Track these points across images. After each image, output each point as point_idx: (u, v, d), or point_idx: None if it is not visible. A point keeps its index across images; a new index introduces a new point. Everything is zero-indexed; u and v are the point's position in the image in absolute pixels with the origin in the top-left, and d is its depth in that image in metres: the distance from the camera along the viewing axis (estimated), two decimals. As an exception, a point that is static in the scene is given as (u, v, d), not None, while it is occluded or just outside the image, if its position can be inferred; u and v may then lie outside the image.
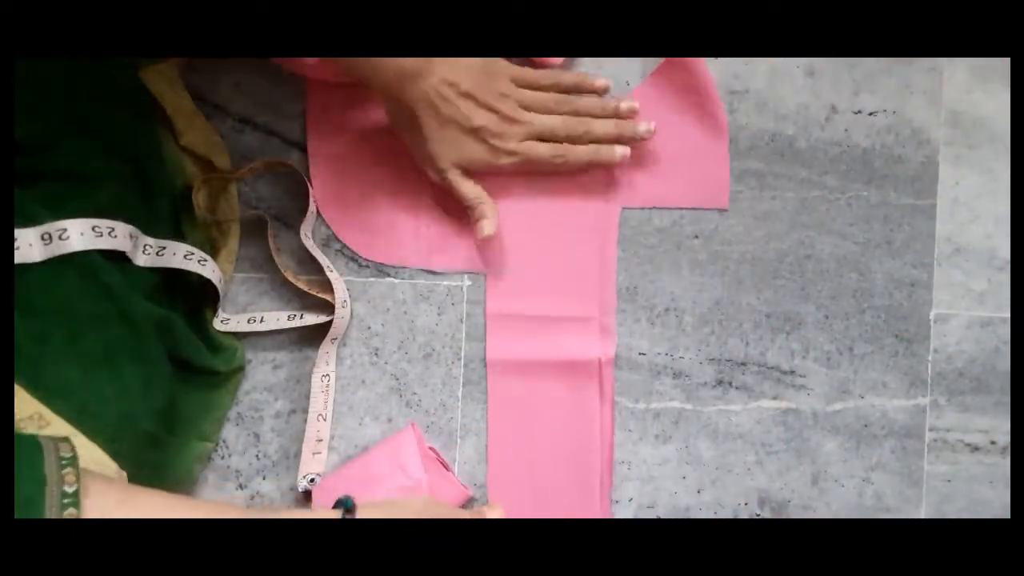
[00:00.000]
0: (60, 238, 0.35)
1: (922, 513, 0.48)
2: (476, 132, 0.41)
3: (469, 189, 0.43)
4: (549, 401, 0.46)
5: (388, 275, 0.47)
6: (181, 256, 0.41)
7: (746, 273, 0.47)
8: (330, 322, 0.44)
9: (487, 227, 0.43)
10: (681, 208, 0.47)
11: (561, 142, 0.44)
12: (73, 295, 0.35)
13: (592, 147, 0.44)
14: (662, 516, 0.47)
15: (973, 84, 0.48)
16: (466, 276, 0.47)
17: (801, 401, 0.47)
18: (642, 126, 0.44)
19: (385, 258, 0.46)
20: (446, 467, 0.45)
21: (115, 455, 0.35)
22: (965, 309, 0.48)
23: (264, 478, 0.46)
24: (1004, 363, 0.48)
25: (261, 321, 0.45)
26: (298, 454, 0.46)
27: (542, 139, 0.44)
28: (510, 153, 0.43)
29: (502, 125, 0.42)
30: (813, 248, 0.48)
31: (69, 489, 0.28)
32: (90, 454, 0.34)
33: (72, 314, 0.35)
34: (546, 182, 0.46)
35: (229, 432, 0.46)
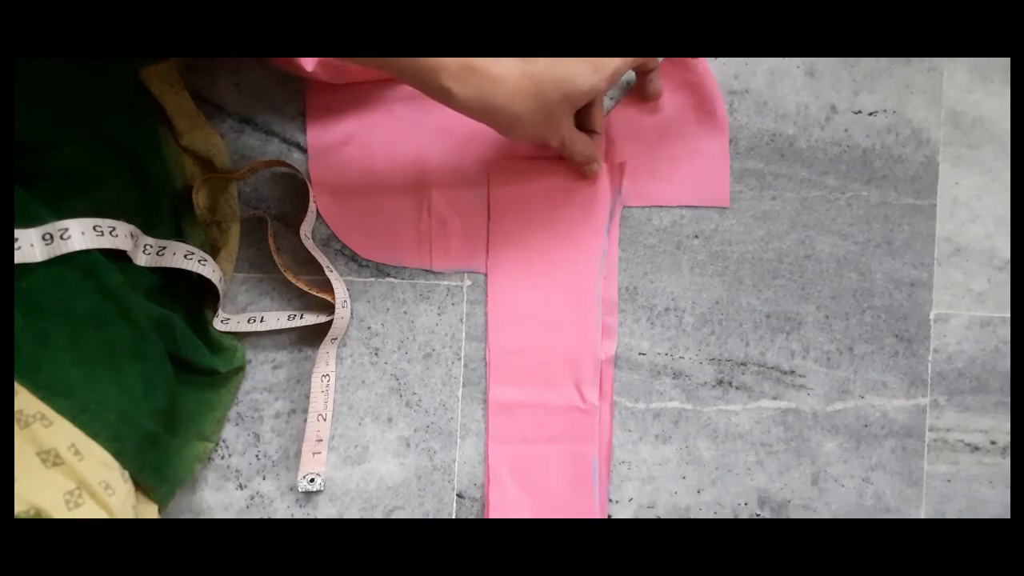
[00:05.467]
0: (61, 238, 0.35)
1: (922, 513, 0.48)
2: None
3: (587, 146, 0.43)
4: (550, 403, 0.46)
5: (388, 275, 0.47)
6: (181, 256, 0.41)
7: (746, 273, 0.47)
8: (330, 322, 0.45)
9: (597, 167, 0.45)
10: (682, 207, 0.47)
11: None
12: (74, 295, 0.35)
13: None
14: (662, 516, 0.47)
15: (973, 84, 0.48)
16: (466, 276, 0.47)
17: (801, 401, 0.47)
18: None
19: (385, 258, 0.47)
20: None
21: (116, 455, 0.35)
22: (965, 309, 0.48)
23: (264, 478, 0.46)
24: (1004, 363, 0.48)
25: (261, 321, 0.45)
26: (298, 454, 0.46)
27: None
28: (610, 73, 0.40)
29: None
30: (813, 248, 0.48)
31: None
32: (95, 454, 0.34)
33: (73, 314, 0.35)
34: (548, 181, 0.46)
35: (229, 432, 0.46)
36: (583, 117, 0.44)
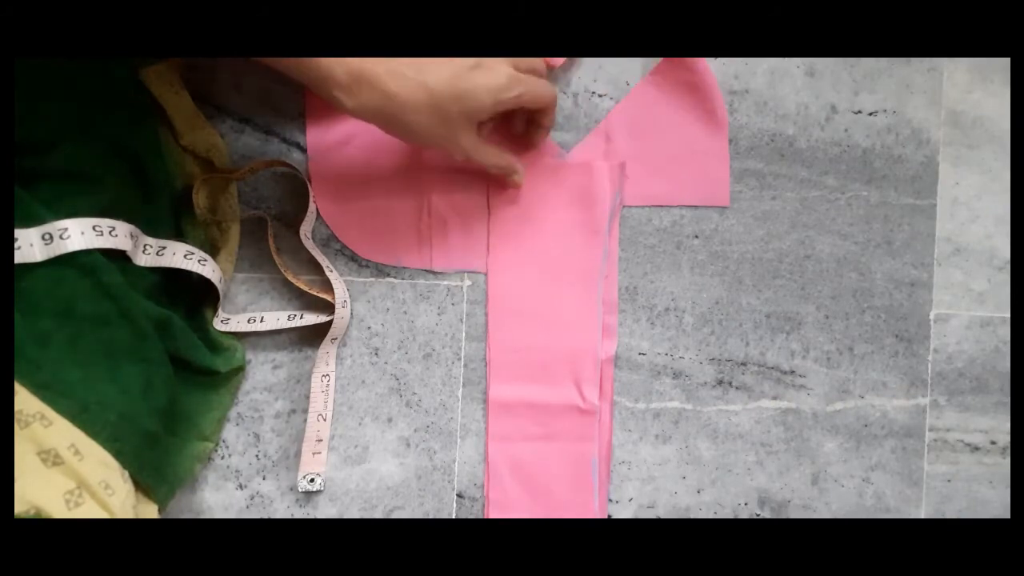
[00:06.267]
0: (61, 237, 0.35)
1: (922, 513, 0.48)
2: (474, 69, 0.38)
3: (495, 156, 0.42)
4: (550, 401, 0.46)
5: (388, 275, 0.47)
6: (181, 256, 0.41)
7: (746, 273, 0.47)
8: (330, 322, 0.45)
9: (519, 179, 0.44)
10: (682, 206, 0.47)
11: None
12: (74, 295, 0.35)
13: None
14: (662, 516, 0.47)
15: (973, 84, 0.48)
16: (466, 276, 0.47)
17: (801, 401, 0.47)
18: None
19: (385, 258, 0.46)
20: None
21: (116, 455, 0.35)
22: (965, 309, 0.48)
23: (264, 478, 0.46)
24: (1004, 363, 0.48)
25: (261, 321, 0.45)
26: (298, 454, 0.46)
27: None
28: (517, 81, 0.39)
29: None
30: (813, 248, 0.48)
31: None
32: (95, 454, 0.34)
33: (73, 314, 0.35)
34: (548, 180, 0.46)
35: (229, 432, 0.46)
36: (534, 115, 0.43)
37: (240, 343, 0.45)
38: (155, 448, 0.38)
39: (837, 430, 0.48)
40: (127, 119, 0.40)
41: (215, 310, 0.44)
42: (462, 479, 0.46)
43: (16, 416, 0.32)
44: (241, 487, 0.46)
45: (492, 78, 0.38)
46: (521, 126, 0.44)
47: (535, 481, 0.46)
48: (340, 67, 0.35)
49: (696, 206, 0.47)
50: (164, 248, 0.40)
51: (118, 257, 0.38)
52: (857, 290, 0.48)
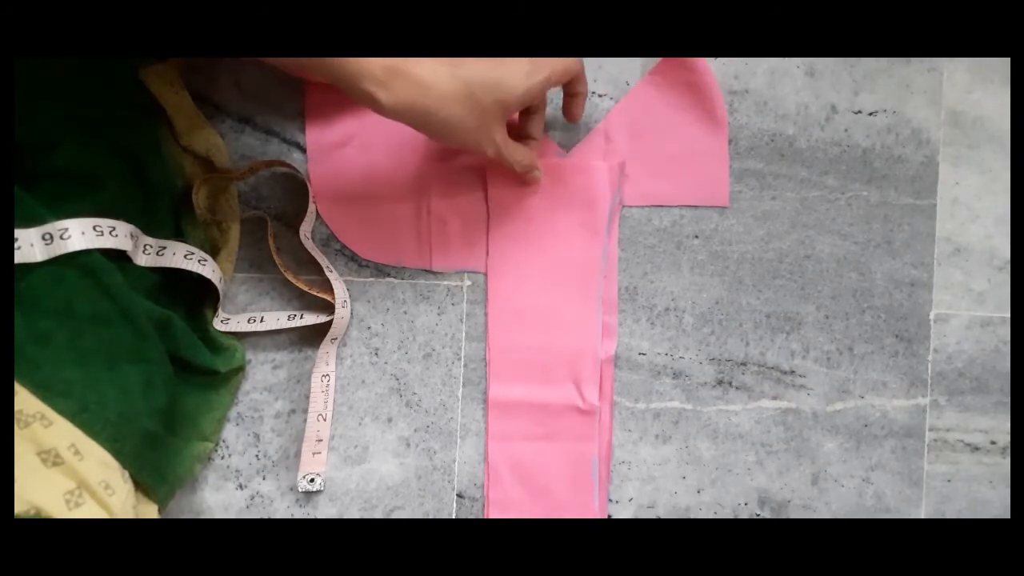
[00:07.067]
0: (61, 237, 0.35)
1: (922, 513, 0.48)
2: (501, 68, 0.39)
3: (522, 154, 0.42)
4: (550, 401, 0.46)
5: (388, 275, 0.47)
6: (181, 256, 0.41)
7: (746, 273, 0.47)
8: (330, 322, 0.45)
9: (539, 174, 0.45)
10: (682, 206, 0.47)
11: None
12: (74, 295, 0.35)
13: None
14: (662, 516, 0.47)
15: (973, 84, 0.48)
16: (466, 276, 0.47)
17: (801, 401, 0.47)
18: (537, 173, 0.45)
19: (385, 258, 0.47)
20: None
21: (116, 455, 0.35)
22: (965, 309, 0.48)
23: (264, 478, 0.46)
24: (1004, 363, 0.48)
25: (261, 321, 0.45)
26: (298, 454, 0.46)
27: None
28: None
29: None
30: (813, 248, 0.48)
31: None
32: (95, 454, 0.34)
33: (73, 314, 0.35)
34: (547, 180, 0.46)
35: (229, 432, 0.46)
36: (524, 123, 0.44)
37: (240, 343, 0.45)
38: (155, 448, 0.38)
39: (837, 430, 0.48)
40: (127, 119, 0.40)
41: (215, 310, 0.44)
42: (462, 479, 0.46)
43: (16, 416, 0.32)
44: (241, 487, 0.46)
45: (520, 66, 0.38)
46: (526, 124, 0.44)
47: (535, 481, 0.46)
48: (373, 61, 0.34)
49: (696, 206, 0.47)
50: (164, 248, 0.41)
51: (118, 257, 0.38)
52: (857, 290, 0.48)
